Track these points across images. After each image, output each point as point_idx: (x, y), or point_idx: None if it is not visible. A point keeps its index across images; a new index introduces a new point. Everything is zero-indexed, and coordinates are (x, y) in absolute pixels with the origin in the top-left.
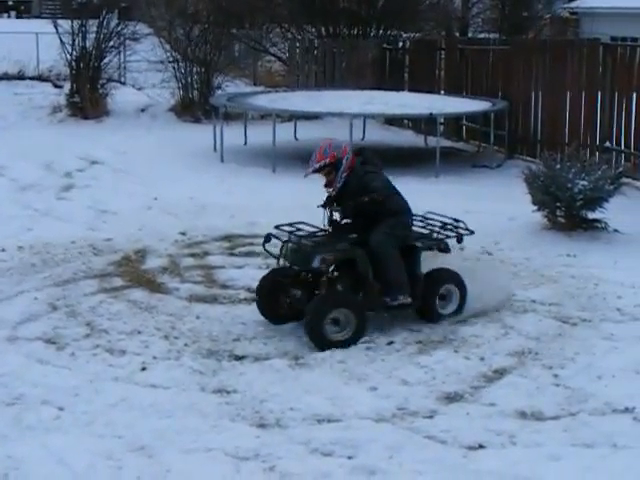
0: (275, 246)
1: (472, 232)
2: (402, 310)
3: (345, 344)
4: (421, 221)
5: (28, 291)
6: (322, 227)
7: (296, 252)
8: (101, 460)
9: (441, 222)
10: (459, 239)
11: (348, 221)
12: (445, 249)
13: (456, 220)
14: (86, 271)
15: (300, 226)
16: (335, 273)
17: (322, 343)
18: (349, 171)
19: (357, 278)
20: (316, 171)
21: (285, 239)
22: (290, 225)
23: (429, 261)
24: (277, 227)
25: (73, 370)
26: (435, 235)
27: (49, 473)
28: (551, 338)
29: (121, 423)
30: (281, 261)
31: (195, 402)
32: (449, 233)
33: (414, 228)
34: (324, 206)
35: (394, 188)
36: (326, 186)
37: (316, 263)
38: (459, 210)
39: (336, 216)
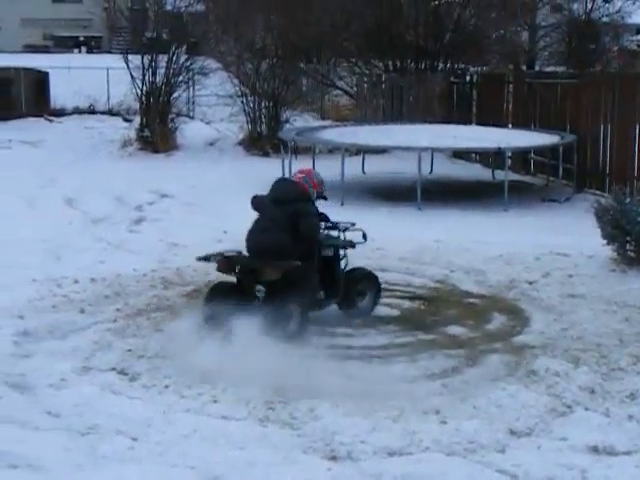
0: None
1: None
2: None
3: None
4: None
5: (101, 322)
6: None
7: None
8: None
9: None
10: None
11: None
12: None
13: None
14: (157, 303)
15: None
16: None
17: None
18: None
19: None
20: None
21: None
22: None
23: None
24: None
25: (146, 401)
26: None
27: None
28: (623, 372)
29: (194, 454)
30: None
31: (266, 434)
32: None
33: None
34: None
35: None
36: None
37: None
38: (529, 243)
39: None
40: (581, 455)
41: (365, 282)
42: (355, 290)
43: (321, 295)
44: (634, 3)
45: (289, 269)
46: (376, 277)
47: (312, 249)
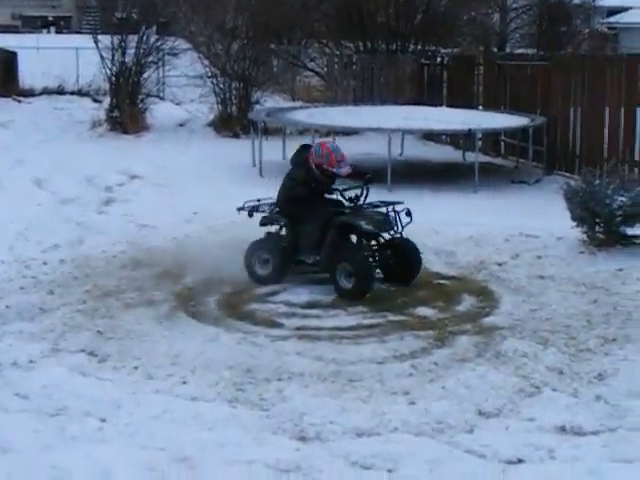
0: None
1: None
2: None
3: None
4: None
5: (70, 304)
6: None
7: (384, 222)
8: (144, 471)
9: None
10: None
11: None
12: None
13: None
14: (127, 284)
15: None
16: None
17: None
18: None
19: None
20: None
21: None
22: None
23: None
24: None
25: (115, 382)
26: None
27: None
28: (591, 353)
29: (163, 435)
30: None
31: (236, 415)
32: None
33: None
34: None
35: None
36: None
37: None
38: (499, 225)
39: None
40: (549, 435)
41: (352, 264)
42: (342, 269)
43: (310, 259)
44: None
45: (264, 222)
46: (363, 263)
47: (300, 212)
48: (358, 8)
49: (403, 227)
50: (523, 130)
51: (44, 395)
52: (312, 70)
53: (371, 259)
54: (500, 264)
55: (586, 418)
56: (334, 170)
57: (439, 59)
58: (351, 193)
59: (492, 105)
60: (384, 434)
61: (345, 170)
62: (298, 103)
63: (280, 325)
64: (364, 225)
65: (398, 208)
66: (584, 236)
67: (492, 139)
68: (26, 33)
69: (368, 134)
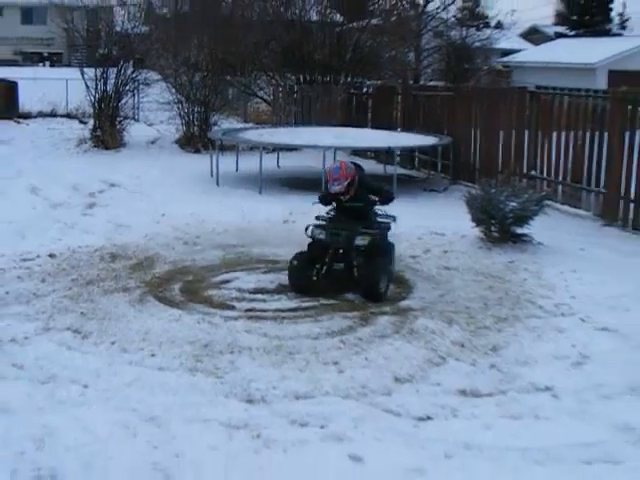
0: None
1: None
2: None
3: None
4: None
5: (59, 290)
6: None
7: (336, 236)
8: (119, 428)
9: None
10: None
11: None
12: None
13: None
14: (106, 274)
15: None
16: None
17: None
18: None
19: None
20: (343, 186)
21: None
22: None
23: None
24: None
25: (95, 355)
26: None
27: (76, 438)
28: (487, 330)
29: (135, 399)
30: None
31: (195, 382)
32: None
33: None
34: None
35: None
36: (342, 194)
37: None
38: (413, 225)
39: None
40: (452, 397)
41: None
42: None
43: None
44: (500, 32)
45: None
46: (291, 264)
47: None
48: (299, 47)
49: (354, 248)
50: (433, 148)
51: (37, 366)
52: (261, 97)
53: (316, 265)
54: (414, 257)
55: (483, 383)
56: (328, 186)
57: (365, 89)
58: None
59: (408, 127)
60: (317, 397)
61: (334, 188)
62: (249, 124)
63: (232, 307)
64: (312, 230)
65: (356, 230)
66: (482, 234)
67: (408, 155)
68: (25, 66)
69: (306, 150)
